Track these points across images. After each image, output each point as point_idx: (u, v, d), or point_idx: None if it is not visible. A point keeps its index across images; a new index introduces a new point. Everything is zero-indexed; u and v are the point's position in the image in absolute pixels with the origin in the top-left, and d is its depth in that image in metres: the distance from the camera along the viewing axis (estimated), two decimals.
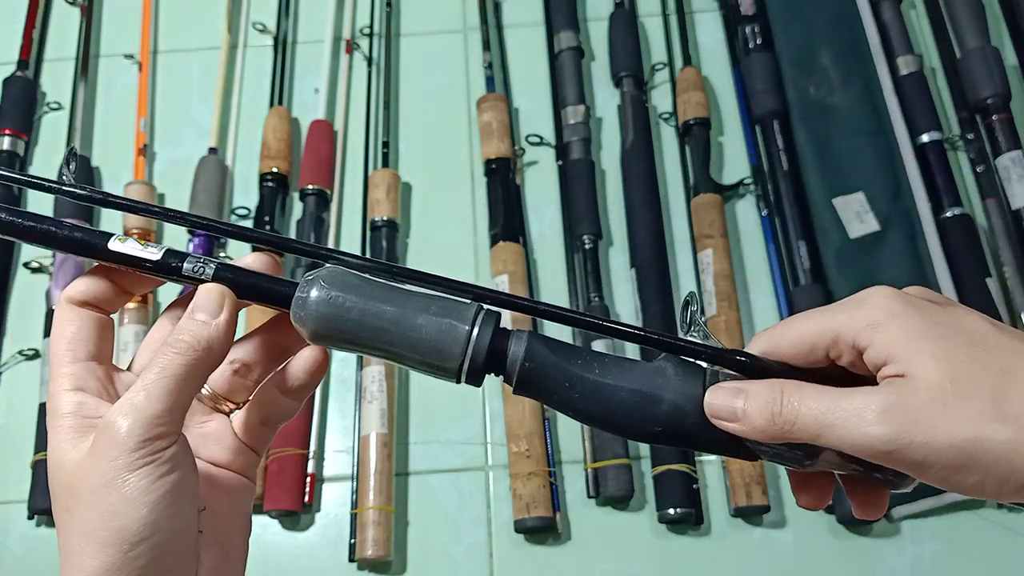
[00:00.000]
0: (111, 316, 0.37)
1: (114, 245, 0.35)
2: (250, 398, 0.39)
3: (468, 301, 0.35)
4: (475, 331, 0.34)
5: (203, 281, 0.35)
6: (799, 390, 0.33)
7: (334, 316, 0.34)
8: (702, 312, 0.36)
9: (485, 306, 0.35)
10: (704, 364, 0.35)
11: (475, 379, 0.34)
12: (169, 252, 0.35)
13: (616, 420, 0.34)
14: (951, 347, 0.31)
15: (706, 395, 0.34)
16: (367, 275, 0.36)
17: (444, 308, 0.34)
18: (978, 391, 0.31)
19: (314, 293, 0.34)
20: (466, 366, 0.34)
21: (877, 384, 0.33)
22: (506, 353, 0.34)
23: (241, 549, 0.38)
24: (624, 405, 0.34)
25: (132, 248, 0.35)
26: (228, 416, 0.39)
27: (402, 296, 0.34)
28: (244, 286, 0.36)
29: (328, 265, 0.36)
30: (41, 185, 0.37)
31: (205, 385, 0.38)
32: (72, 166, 0.39)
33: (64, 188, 0.37)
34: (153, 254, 0.35)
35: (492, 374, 0.35)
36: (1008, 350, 0.32)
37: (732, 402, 0.34)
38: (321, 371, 0.38)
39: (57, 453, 0.33)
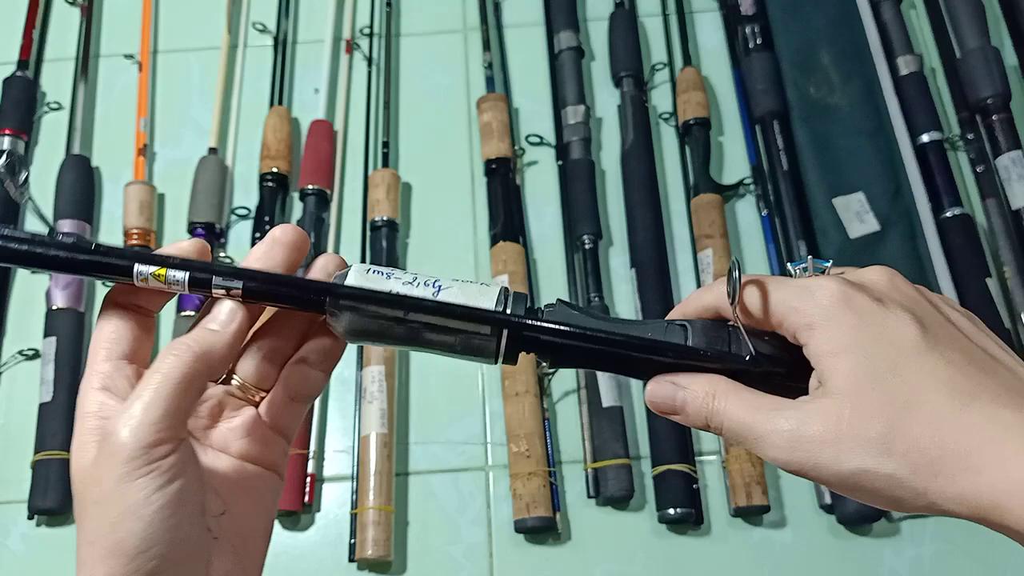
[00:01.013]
0: (153, 315, 0.37)
1: (137, 280, 0.35)
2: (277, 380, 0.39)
3: (492, 284, 0.37)
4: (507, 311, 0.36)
5: (230, 294, 0.36)
6: (727, 397, 0.35)
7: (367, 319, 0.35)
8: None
9: (510, 289, 0.37)
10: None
11: (511, 359, 0.36)
12: (193, 277, 0.35)
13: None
14: (868, 367, 0.32)
15: (648, 385, 0.36)
16: (394, 271, 0.36)
17: (471, 294, 0.36)
18: (873, 423, 0.32)
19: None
20: (502, 348, 0.36)
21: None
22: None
23: (258, 556, 0.38)
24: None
25: (155, 284, 0.35)
26: (256, 406, 0.38)
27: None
28: (274, 295, 0.36)
29: (355, 265, 0.37)
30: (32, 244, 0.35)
31: (235, 377, 0.38)
32: (22, 177, 0.35)
33: (59, 242, 0.35)
34: (178, 283, 0.35)
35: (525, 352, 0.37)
36: (922, 375, 0.32)
37: (672, 396, 0.36)
38: (331, 351, 0.38)
39: (76, 455, 0.33)
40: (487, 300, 0.35)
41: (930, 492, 0.31)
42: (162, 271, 0.35)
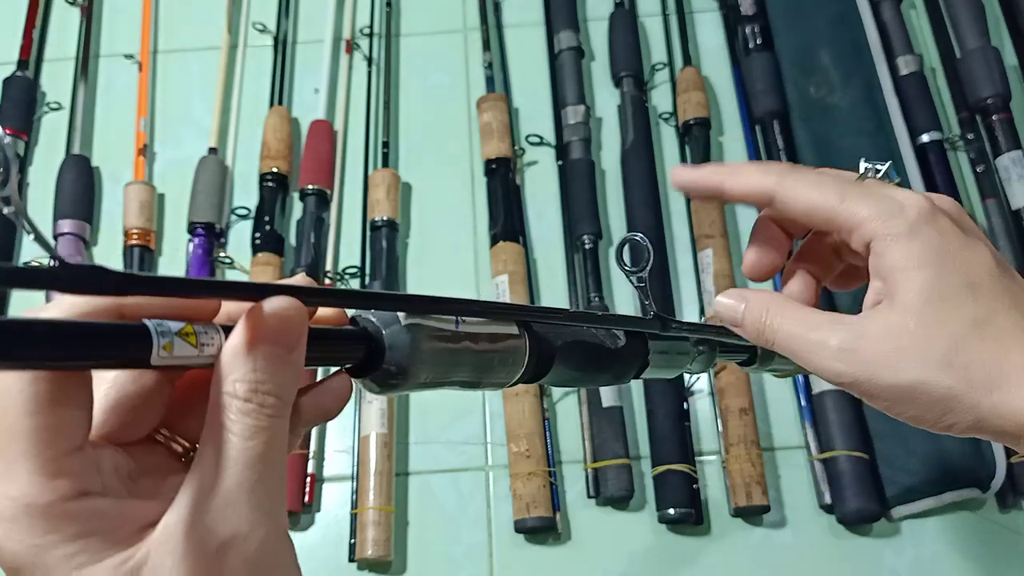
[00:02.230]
0: None
1: (158, 358, 0.25)
2: None
3: (517, 331, 0.36)
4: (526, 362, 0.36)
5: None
6: (781, 312, 0.37)
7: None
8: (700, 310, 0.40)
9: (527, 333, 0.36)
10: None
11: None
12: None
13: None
14: (944, 284, 0.33)
15: (717, 296, 0.40)
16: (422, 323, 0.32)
17: (503, 354, 0.35)
18: (938, 337, 0.33)
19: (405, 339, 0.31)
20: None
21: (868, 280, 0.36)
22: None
23: None
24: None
25: (186, 351, 0.26)
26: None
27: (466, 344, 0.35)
28: (314, 358, 0.29)
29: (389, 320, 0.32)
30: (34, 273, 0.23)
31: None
32: (11, 184, 0.23)
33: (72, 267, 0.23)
34: (210, 352, 0.27)
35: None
36: (995, 300, 0.33)
37: (735, 307, 0.39)
38: (346, 401, 0.32)
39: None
40: (510, 327, 0.35)
41: (982, 406, 0.32)
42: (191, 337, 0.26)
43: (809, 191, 0.36)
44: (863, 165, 0.38)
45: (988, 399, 0.32)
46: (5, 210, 0.22)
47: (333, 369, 0.32)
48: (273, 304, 0.26)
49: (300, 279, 0.30)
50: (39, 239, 0.23)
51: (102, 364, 0.25)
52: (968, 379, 0.32)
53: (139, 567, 0.25)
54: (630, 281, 0.40)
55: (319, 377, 0.32)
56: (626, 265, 0.41)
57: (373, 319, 0.31)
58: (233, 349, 0.26)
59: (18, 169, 0.23)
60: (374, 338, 0.30)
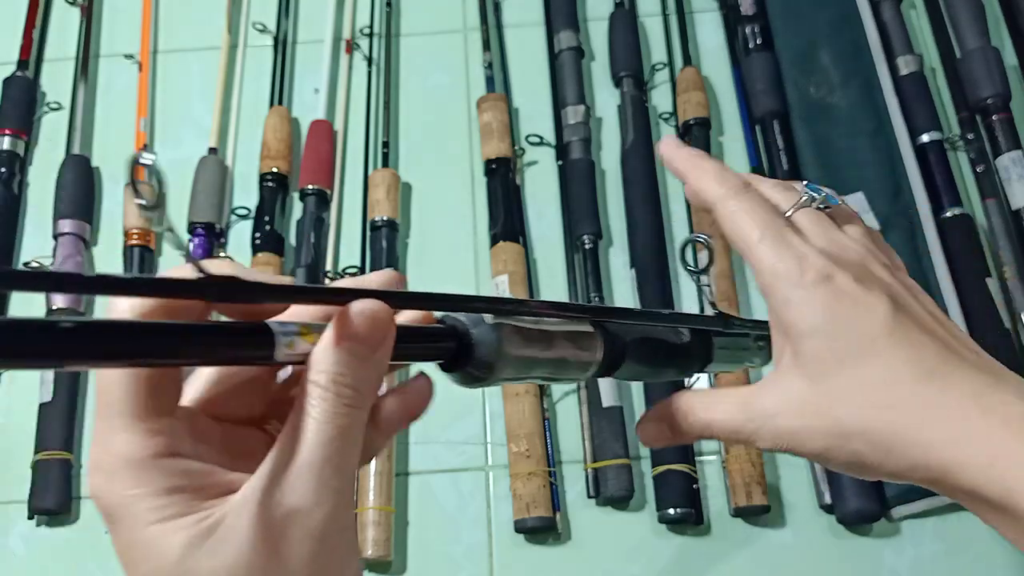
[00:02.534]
0: None
1: (282, 355, 0.28)
2: None
3: (591, 329, 0.38)
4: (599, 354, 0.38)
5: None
6: (701, 406, 0.39)
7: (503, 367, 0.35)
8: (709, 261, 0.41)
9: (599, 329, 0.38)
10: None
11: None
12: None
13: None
14: (834, 352, 0.35)
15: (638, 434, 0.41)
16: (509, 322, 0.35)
17: (579, 351, 0.37)
18: (834, 407, 0.35)
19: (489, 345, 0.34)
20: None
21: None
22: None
23: None
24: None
25: (303, 347, 0.29)
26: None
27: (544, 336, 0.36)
28: (409, 354, 0.33)
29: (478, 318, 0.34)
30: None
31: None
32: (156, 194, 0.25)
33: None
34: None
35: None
36: (885, 359, 0.34)
37: (658, 434, 0.40)
38: (429, 399, 0.36)
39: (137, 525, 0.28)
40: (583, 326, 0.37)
41: (886, 465, 0.34)
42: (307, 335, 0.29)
43: (739, 221, 0.37)
44: (804, 191, 0.39)
45: (889, 459, 0.33)
46: (157, 229, 0.25)
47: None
48: (360, 306, 0.29)
49: (387, 276, 0.33)
50: (189, 258, 0.26)
51: (240, 361, 0.29)
52: (867, 444, 0.34)
53: (215, 526, 0.27)
54: (694, 280, 0.42)
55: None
56: (690, 265, 0.43)
57: (461, 318, 0.34)
58: (322, 345, 0.29)
59: (165, 190, 0.25)
60: (463, 336, 0.33)
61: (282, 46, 1.05)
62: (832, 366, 0.34)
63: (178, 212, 0.96)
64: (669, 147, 0.41)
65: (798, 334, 0.35)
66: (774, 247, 0.36)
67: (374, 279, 0.34)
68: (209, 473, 0.29)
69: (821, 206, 0.39)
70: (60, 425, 0.83)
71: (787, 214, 0.38)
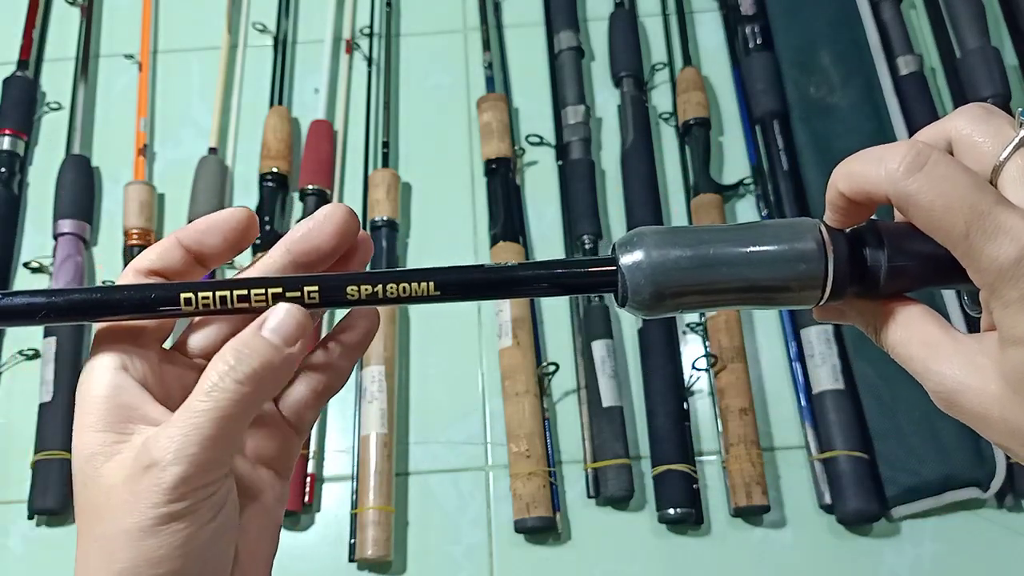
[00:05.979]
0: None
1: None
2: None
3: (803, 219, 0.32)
4: (826, 239, 0.31)
5: (375, 300, 0.34)
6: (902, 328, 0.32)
7: (674, 271, 0.31)
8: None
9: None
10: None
11: (839, 294, 0.31)
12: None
13: None
14: None
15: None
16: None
17: (780, 230, 0.31)
18: None
19: (641, 256, 0.31)
20: (830, 280, 0.31)
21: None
22: (865, 257, 0.31)
23: (266, 569, 0.36)
24: None
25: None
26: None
27: (722, 232, 0.31)
28: (467, 285, 0.35)
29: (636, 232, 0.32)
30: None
31: None
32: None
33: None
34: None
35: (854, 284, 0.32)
36: None
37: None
38: (377, 324, 0.36)
39: (84, 450, 0.30)
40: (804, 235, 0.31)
41: None
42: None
43: (929, 206, 0.29)
44: (1020, 119, 0.29)
45: None
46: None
47: None
48: (281, 309, 0.31)
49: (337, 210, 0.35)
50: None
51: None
52: None
53: (135, 448, 0.29)
54: None
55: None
56: None
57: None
58: (244, 333, 0.31)
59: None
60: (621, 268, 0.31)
61: (282, 46, 1.05)
62: None
63: (178, 212, 0.96)
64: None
65: (1011, 339, 0.28)
66: (985, 240, 0.28)
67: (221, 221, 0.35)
68: (142, 404, 0.31)
69: None
70: (60, 425, 0.83)
71: (1000, 161, 0.29)
